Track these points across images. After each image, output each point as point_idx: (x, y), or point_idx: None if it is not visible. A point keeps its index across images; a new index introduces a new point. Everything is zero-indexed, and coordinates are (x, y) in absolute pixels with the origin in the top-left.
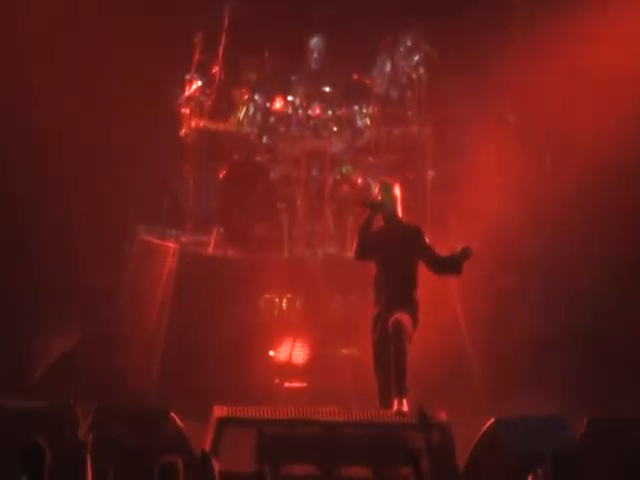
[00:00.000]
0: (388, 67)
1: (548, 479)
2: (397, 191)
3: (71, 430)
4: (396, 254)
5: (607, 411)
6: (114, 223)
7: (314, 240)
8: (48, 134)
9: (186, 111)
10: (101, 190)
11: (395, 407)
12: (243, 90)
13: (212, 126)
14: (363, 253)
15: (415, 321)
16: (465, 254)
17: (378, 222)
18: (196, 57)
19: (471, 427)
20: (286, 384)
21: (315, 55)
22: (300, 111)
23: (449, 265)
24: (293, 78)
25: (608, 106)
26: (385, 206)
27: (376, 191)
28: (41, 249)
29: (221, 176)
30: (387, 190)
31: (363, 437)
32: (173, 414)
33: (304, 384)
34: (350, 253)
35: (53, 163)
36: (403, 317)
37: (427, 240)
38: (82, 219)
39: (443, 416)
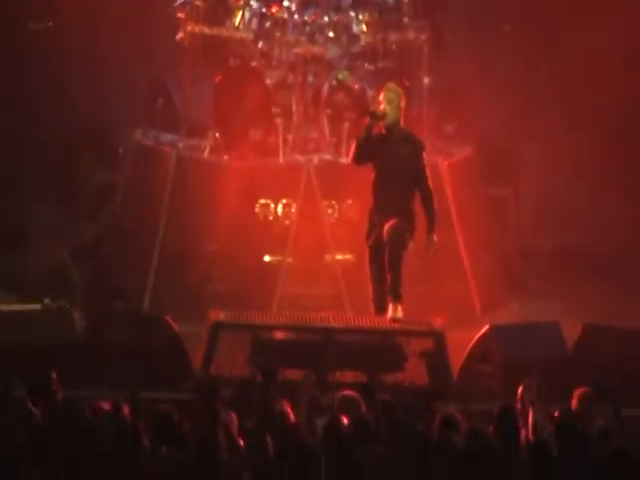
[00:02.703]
0: None
1: (539, 386)
2: (401, 99)
3: (66, 332)
4: (395, 162)
5: (604, 319)
6: (109, 125)
7: (309, 146)
8: (41, 33)
9: (182, 15)
10: (97, 92)
11: (390, 313)
12: None
13: (208, 31)
14: (360, 158)
15: (412, 228)
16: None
17: (379, 128)
18: None
19: (466, 334)
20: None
21: None
22: (296, 16)
23: (423, 204)
24: None
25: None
26: (387, 115)
27: (380, 97)
28: (38, 145)
29: (217, 81)
30: (392, 97)
31: (358, 343)
32: (168, 318)
33: None
34: (346, 159)
35: (53, 60)
36: (399, 223)
37: (424, 161)
38: (79, 118)
39: (438, 323)
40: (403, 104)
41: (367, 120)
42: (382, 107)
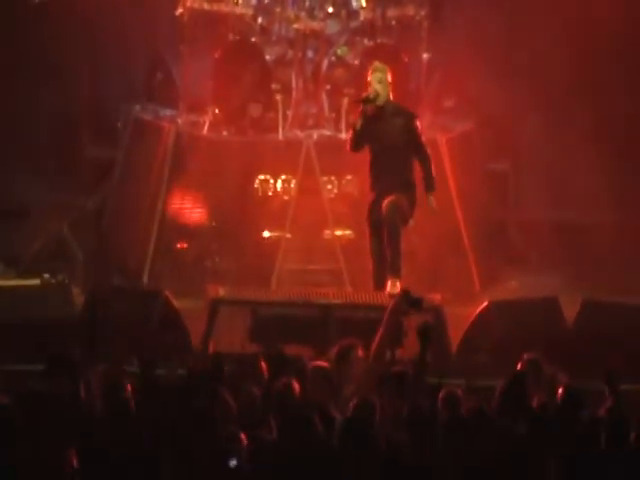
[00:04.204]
0: None
1: (537, 363)
2: (388, 74)
3: (65, 307)
4: (389, 138)
5: (603, 295)
6: (108, 99)
7: (309, 121)
8: (40, 7)
9: None
10: (96, 66)
11: (388, 289)
12: None
13: (207, 6)
14: (358, 145)
15: (412, 203)
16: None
17: (371, 109)
18: None
19: (465, 310)
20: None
21: None
22: None
23: (421, 167)
24: None
25: None
26: (379, 95)
27: (369, 79)
28: (37, 119)
29: (216, 57)
30: (380, 76)
31: (357, 318)
32: (167, 293)
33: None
34: (344, 135)
35: (52, 34)
36: (398, 199)
37: (418, 130)
38: (78, 92)
39: (437, 298)
40: (390, 78)
41: (360, 108)
42: (373, 88)
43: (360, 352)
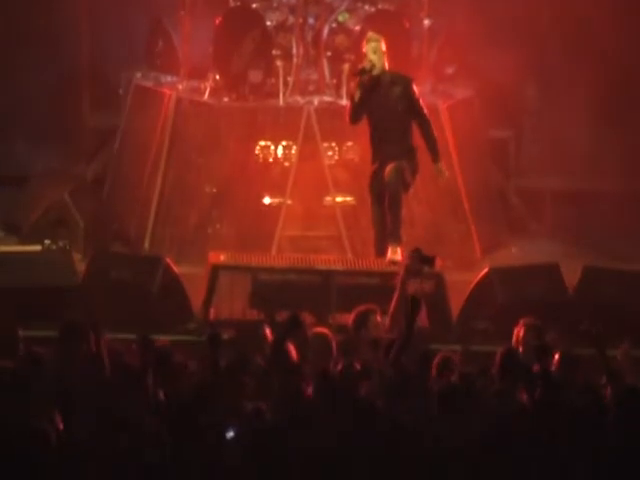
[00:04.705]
0: None
1: (537, 328)
2: (382, 43)
3: (67, 274)
4: (388, 107)
5: (604, 261)
6: (109, 66)
7: (310, 88)
8: None
9: None
10: (97, 33)
11: (389, 256)
12: None
13: None
14: (357, 118)
15: (414, 170)
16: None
17: (368, 79)
18: None
19: (466, 276)
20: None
21: None
22: None
23: (422, 135)
24: None
25: None
26: (375, 65)
27: (364, 50)
28: (38, 86)
29: (217, 23)
30: (375, 46)
31: (358, 285)
32: (168, 259)
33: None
34: (345, 101)
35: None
36: (400, 165)
37: (416, 94)
38: (79, 59)
39: (438, 265)
40: (385, 48)
41: (357, 80)
42: (368, 59)
43: (378, 317)
